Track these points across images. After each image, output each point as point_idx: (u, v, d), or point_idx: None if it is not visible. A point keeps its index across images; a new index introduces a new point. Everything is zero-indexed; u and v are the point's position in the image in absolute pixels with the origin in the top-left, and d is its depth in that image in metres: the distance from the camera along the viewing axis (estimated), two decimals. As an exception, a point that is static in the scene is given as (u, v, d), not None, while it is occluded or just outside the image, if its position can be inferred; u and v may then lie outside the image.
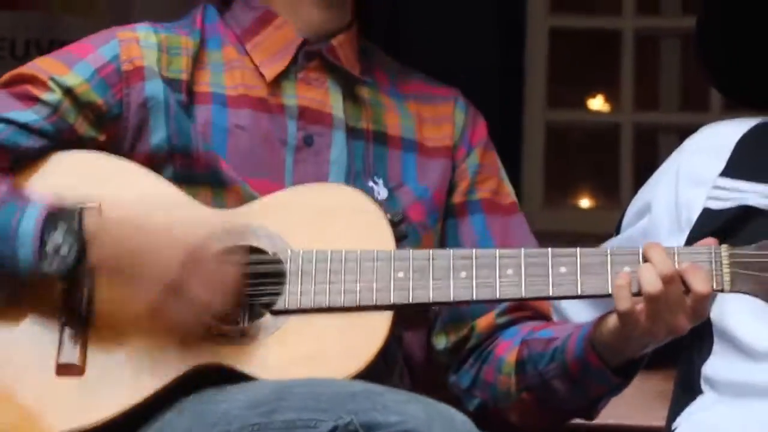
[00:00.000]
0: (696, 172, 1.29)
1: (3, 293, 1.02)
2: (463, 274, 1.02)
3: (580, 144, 3.68)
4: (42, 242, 0.97)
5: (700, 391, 1.19)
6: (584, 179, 3.50)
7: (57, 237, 0.98)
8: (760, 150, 1.29)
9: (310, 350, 1.03)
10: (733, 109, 1.83)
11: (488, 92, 2.16)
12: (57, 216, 0.98)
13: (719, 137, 1.33)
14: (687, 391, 1.22)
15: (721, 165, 1.26)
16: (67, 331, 1.03)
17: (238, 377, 0.98)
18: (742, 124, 1.32)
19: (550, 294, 1.02)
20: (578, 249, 1.01)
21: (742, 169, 1.25)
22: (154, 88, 1.11)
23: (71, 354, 1.01)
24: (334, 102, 1.17)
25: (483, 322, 1.18)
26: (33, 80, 1.09)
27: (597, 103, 3.46)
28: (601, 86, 3.39)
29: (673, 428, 1.18)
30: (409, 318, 1.10)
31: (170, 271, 0.96)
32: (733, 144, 1.29)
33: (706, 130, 1.36)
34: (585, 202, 3.49)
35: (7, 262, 0.98)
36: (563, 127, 3.27)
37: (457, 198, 1.22)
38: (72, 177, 1.09)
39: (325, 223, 1.07)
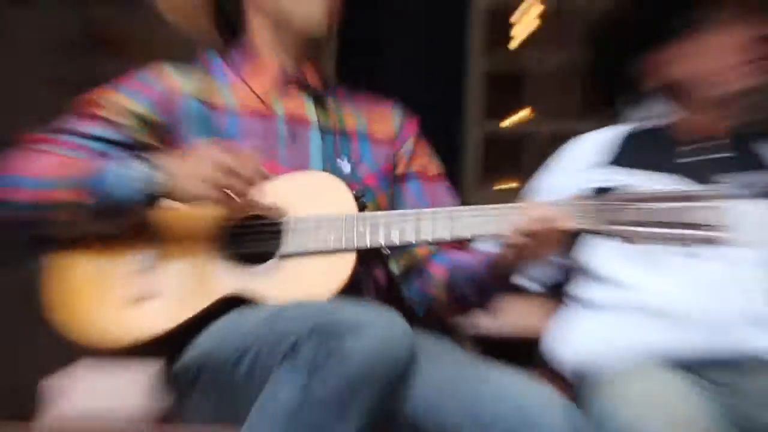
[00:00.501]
0: (579, 159, 1.70)
1: (110, 224, 1.35)
2: (401, 226, 1.38)
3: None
4: (144, 180, 1.30)
5: (571, 307, 1.63)
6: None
7: (150, 171, 1.31)
8: (631, 145, 1.67)
9: (302, 281, 1.36)
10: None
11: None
12: (144, 162, 1.31)
13: (594, 139, 1.71)
14: (564, 307, 1.65)
15: (608, 158, 1.64)
16: (144, 261, 1.36)
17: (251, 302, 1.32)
18: (611, 130, 1.70)
19: (462, 235, 1.38)
20: (483, 206, 1.37)
21: (618, 160, 1.63)
22: (188, 106, 1.47)
23: (149, 282, 1.34)
24: (308, 110, 1.53)
25: (421, 252, 1.55)
26: (110, 111, 1.45)
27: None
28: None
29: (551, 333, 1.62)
30: (368, 255, 1.43)
31: (205, 179, 1.26)
32: (615, 142, 1.68)
33: (586, 136, 1.73)
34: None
35: (112, 197, 1.30)
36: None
37: (399, 171, 1.59)
38: None
39: (311, 198, 1.42)
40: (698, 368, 1.45)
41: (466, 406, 1.32)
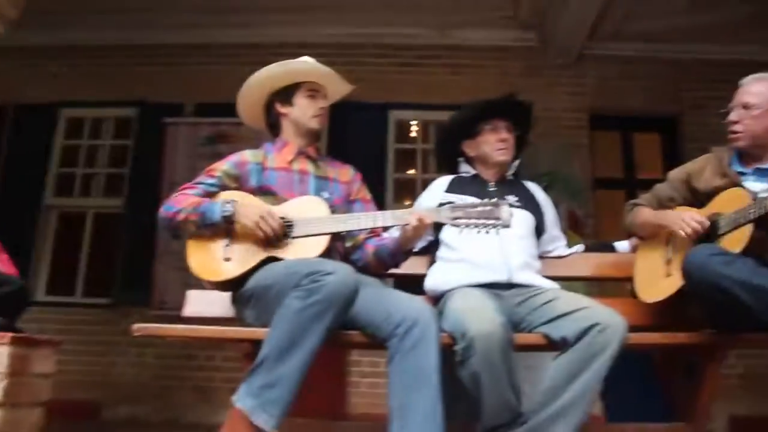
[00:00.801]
0: (435, 191, 2.71)
1: (207, 231, 2.31)
2: (350, 222, 2.31)
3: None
4: (222, 210, 2.27)
5: (435, 261, 2.63)
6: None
7: (227, 207, 2.27)
8: (458, 183, 2.70)
9: (302, 250, 2.25)
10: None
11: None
12: (226, 201, 2.30)
13: (443, 180, 2.75)
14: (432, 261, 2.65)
15: (448, 188, 2.68)
16: (227, 243, 2.32)
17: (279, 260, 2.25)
18: (449, 177, 2.77)
19: (380, 225, 2.33)
20: (393, 211, 2.31)
21: (450, 190, 2.66)
22: (251, 167, 2.48)
23: (229, 252, 2.31)
24: (310, 167, 2.54)
25: (360, 237, 2.52)
26: (212, 170, 2.48)
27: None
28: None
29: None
30: (335, 237, 2.35)
31: (256, 217, 2.23)
32: (451, 181, 2.72)
33: (438, 179, 2.78)
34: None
35: (209, 219, 2.28)
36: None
37: (351, 198, 2.59)
38: (227, 197, 2.38)
39: (308, 209, 2.34)
40: (494, 289, 2.40)
41: (381, 308, 2.13)
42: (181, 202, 2.35)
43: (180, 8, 5.93)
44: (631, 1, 5.67)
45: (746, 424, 5.30)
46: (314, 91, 2.58)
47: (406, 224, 2.28)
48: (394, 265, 2.52)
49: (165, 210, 2.36)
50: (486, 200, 2.21)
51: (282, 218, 2.31)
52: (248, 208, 2.29)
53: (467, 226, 2.17)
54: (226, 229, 2.33)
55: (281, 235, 2.28)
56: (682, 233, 2.39)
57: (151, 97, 6.07)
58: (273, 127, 2.66)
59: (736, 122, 2.49)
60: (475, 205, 2.19)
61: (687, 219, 2.40)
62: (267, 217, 2.25)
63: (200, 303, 2.70)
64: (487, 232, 2.17)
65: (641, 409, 3.92)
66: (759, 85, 2.50)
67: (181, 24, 6.09)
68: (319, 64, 2.60)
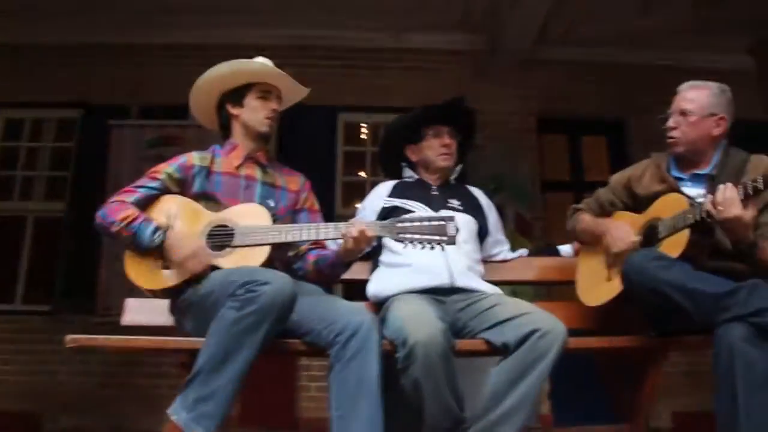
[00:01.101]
0: (378, 195, 2.71)
1: (137, 251, 2.25)
2: (292, 233, 2.24)
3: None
4: (152, 238, 2.21)
5: (378, 266, 2.63)
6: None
7: (156, 237, 2.21)
8: (401, 188, 2.71)
9: (243, 259, 2.20)
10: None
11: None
12: (157, 229, 2.23)
13: (387, 184, 2.75)
14: (374, 267, 2.65)
15: (390, 193, 2.69)
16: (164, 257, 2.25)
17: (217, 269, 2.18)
18: (392, 182, 2.78)
19: (322, 237, 2.27)
20: (335, 223, 2.24)
21: (393, 195, 2.67)
22: (196, 171, 2.41)
23: (164, 262, 2.25)
24: (257, 173, 2.48)
25: (303, 247, 2.50)
26: (155, 172, 2.40)
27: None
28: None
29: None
30: (277, 247, 2.28)
31: (183, 254, 2.18)
32: (395, 186, 2.73)
33: (381, 184, 2.77)
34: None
35: (138, 242, 2.22)
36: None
37: (298, 206, 2.54)
38: (167, 202, 2.37)
39: (249, 216, 2.28)
40: (436, 294, 2.41)
41: (321, 317, 2.12)
42: (116, 212, 2.28)
43: (125, 8, 5.78)
44: (579, 6, 5.75)
45: (690, 419, 5.41)
46: (266, 92, 2.53)
47: (348, 236, 2.23)
48: (334, 276, 2.49)
49: (100, 217, 2.31)
50: (433, 215, 2.22)
51: (224, 226, 2.29)
52: (181, 242, 2.24)
53: (411, 242, 2.15)
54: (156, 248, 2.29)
55: (205, 273, 2.22)
56: (615, 249, 2.46)
57: (96, 98, 5.93)
58: (224, 128, 2.61)
59: (673, 128, 2.53)
60: (421, 220, 2.16)
61: (622, 237, 2.46)
62: (192, 257, 2.21)
63: (140, 311, 2.65)
64: (432, 248, 2.14)
65: (588, 408, 3.97)
66: (695, 92, 2.54)
67: (127, 24, 5.95)
68: (271, 65, 2.56)
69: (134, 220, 2.26)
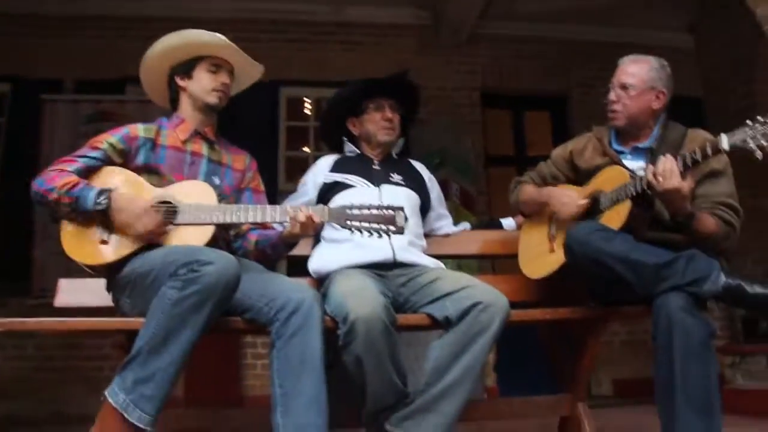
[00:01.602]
0: (319, 170, 2.67)
1: (80, 217, 2.13)
2: (237, 213, 2.17)
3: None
4: (96, 201, 2.09)
5: (319, 241, 2.60)
6: None
7: (101, 199, 2.10)
8: (343, 163, 2.69)
9: (186, 237, 2.15)
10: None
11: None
12: (102, 191, 2.11)
13: (327, 159, 2.72)
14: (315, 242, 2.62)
15: (332, 168, 2.65)
16: (105, 225, 2.14)
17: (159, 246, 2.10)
18: (333, 156, 2.75)
19: (269, 220, 2.21)
20: (276, 206, 2.21)
21: (334, 170, 2.64)
22: (141, 142, 2.31)
23: (103, 235, 2.15)
24: (204, 150, 2.42)
25: (245, 226, 2.44)
26: (97, 142, 2.27)
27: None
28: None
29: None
30: (221, 226, 2.26)
31: (133, 214, 2.09)
32: (336, 160, 2.70)
33: (322, 158, 2.75)
34: None
35: (81, 207, 2.09)
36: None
37: (243, 186, 2.49)
38: (108, 175, 2.25)
39: (195, 194, 2.22)
40: (378, 269, 2.41)
41: (262, 293, 2.09)
42: (55, 180, 2.15)
43: (56, -24, 5.53)
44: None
45: (629, 386, 5.58)
46: (217, 66, 2.46)
47: (296, 222, 2.19)
48: (276, 256, 2.46)
49: (37, 185, 2.16)
50: (383, 204, 2.16)
51: (167, 202, 2.21)
52: (127, 201, 2.15)
53: (359, 230, 2.13)
54: (100, 215, 2.18)
55: (159, 231, 2.16)
56: (562, 215, 2.49)
57: (27, 72, 5.68)
58: (173, 102, 2.53)
59: (614, 102, 2.55)
60: (370, 209, 2.14)
61: (568, 202, 2.48)
62: (144, 215, 2.13)
63: (74, 292, 2.54)
64: (380, 236, 2.14)
65: (532, 379, 4.03)
66: (635, 66, 2.56)
67: (59, -6, 5.70)
68: (224, 38, 2.46)
69: (75, 185, 2.14)
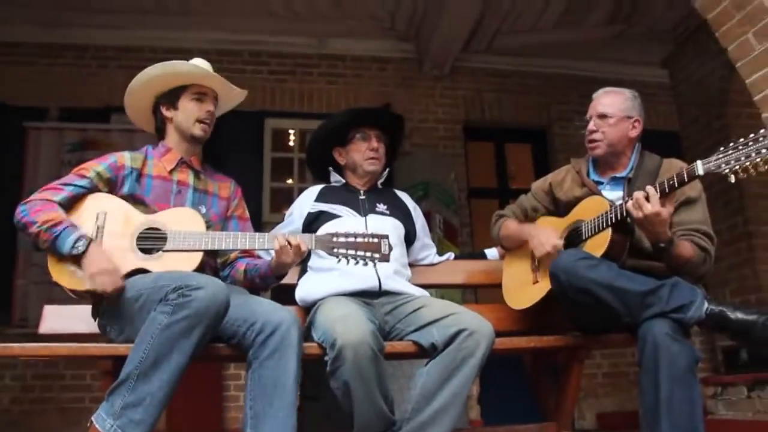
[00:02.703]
0: (305, 200, 2.69)
1: (55, 255, 2.13)
2: (226, 240, 2.21)
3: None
4: (73, 246, 2.08)
5: (305, 271, 2.58)
6: None
7: (79, 246, 2.09)
8: (328, 192, 2.70)
9: (174, 264, 2.14)
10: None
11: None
12: (82, 236, 2.11)
13: (313, 189, 2.74)
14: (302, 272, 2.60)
15: (317, 198, 2.66)
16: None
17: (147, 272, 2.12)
18: (319, 186, 2.76)
19: (257, 247, 2.25)
20: (264, 233, 2.24)
21: (319, 200, 2.66)
22: (127, 172, 2.32)
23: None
24: (190, 179, 2.44)
25: (232, 255, 2.47)
26: (83, 170, 2.28)
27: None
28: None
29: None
30: (208, 253, 2.28)
31: (93, 266, 2.06)
32: (321, 191, 2.72)
33: (308, 189, 2.78)
34: None
35: (58, 247, 2.09)
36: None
37: (229, 213, 2.51)
38: (97, 200, 2.25)
39: (183, 221, 2.24)
40: (364, 297, 2.42)
41: (243, 317, 2.10)
42: (38, 213, 2.15)
43: (44, 4, 5.56)
44: (503, 17, 5.88)
45: (613, 419, 5.59)
46: (202, 94, 2.48)
47: (283, 249, 2.21)
48: (264, 287, 2.47)
49: (21, 214, 2.17)
50: (368, 233, 2.19)
51: (157, 229, 2.23)
52: (97, 257, 2.12)
53: (345, 257, 2.15)
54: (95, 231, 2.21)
55: (112, 294, 2.11)
56: (538, 254, 2.53)
57: (10, 99, 5.67)
58: (160, 131, 2.54)
59: (594, 131, 2.60)
60: (356, 237, 2.17)
61: (544, 242, 2.51)
62: (107, 275, 2.09)
63: (59, 318, 2.53)
64: (365, 264, 2.17)
65: (516, 412, 4.03)
66: (610, 97, 2.64)
67: (45, 21, 5.72)
68: (206, 66, 2.49)
69: (57, 224, 2.14)
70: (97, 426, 1.85)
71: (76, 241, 2.10)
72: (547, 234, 2.54)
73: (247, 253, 2.51)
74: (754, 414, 3.86)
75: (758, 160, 2.00)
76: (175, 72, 2.44)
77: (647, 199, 2.19)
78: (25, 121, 5.59)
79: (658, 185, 2.22)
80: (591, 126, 2.61)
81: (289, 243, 2.19)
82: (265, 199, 5.91)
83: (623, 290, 2.18)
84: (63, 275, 2.16)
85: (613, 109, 2.60)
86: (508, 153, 6.79)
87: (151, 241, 2.22)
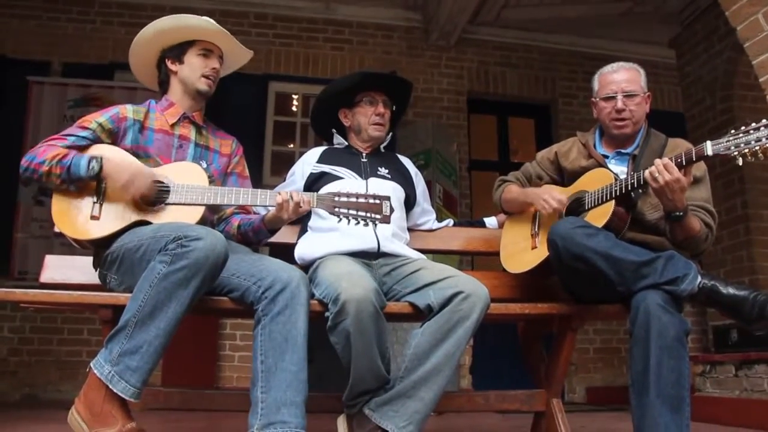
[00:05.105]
0: (307, 161, 2.71)
1: (73, 186, 2.16)
2: (229, 195, 2.24)
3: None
4: (89, 167, 2.12)
5: (305, 231, 2.61)
6: None
7: (93, 164, 2.13)
8: (331, 154, 2.73)
9: (176, 217, 2.17)
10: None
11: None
12: (93, 158, 2.14)
13: (316, 150, 2.77)
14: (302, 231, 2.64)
15: (319, 159, 2.69)
16: (95, 201, 2.18)
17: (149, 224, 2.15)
18: (321, 148, 2.78)
19: (258, 203, 2.25)
20: (267, 190, 2.24)
21: (321, 161, 2.68)
22: (129, 123, 2.35)
23: (96, 210, 2.17)
24: (191, 134, 2.47)
25: (228, 210, 2.51)
26: (85, 121, 2.30)
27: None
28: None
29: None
30: (211, 208, 2.33)
31: (125, 177, 2.12)
32: (324, 152, 2.74)
33: (311, 150, 2.79)
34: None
35: (74, 174, 2.12)
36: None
37: (229, 170, 2.55)
38: (101, 151, 2.24)
39: (186, 175, 2.26)
40: (362, 258, 2.45)
41: (251, 272, 2.11)
42: (46, 153, 2.17)
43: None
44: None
45: (602, 393, 5.67)
46: (208, 50, 2.49)
47: (285, 205, 2.24)
48: (258, 241, 2.49)
49: (27, 160, 2.17)
50: (370, 194, 2.21)
51: (160, 182, 2.24)
52: (119, 166, 2.17)
53: (346, 217, 2.17)
54: (97, 185, 2.22)
55: (152, 199, 2.19)
56: (544, 211, 2.54)
57: (14, 52, 5.68)
58: (163, 84, 2.54)
59: (623, 110, 2.58)
60: (358, 197, 2.18)
61: (548, 198, 2.52)
62: (138, 178, 2.16)
63: (60, 269, 2.54)
64: (366, 225, 2.20)
65: (507, 382, 4.08)
66: (630, 73, 2.62)
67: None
68: (214, 23, 2.48)
69: (66, 156, 2.17)
70: (95, 372, 1.89)
71: (89, 163, 2.15)
72: (551, 192, 2.56)
73: (243, 209, 2.54)
74: (740, 392, 3.90)
75: None
76: (186, 25, 2.45)
77: (668, 166, 2.21)
78: (27, 75, 5.59)
79: (675, 157, 2.24)
80: (619, 105, 2.57)
81: (291, 198, 2.22)
82: (267, 162, 5.95)
83: (619, 260, 2.20)
84: (68, 226, 2.18)
85: (636, 86, 2.59)
86: (511, 127, 6.81)
87: (154, 193, 2.24)
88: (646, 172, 2.26)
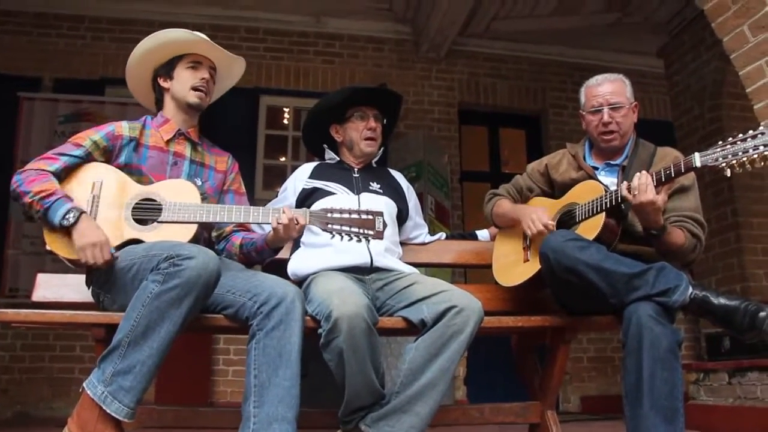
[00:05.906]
0: (299, 176, 2.69)
1: (47, 228, 2.13)
2: (222, 213, 2.22)
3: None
4: (64, 217, 2.08)
5: (298, 246, 2.59)
6: None
7: (70, 216, 2.08)
8: (322, 169, 2.71)
9: (169, 235, 2.16)
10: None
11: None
12: (74, 207, 2.10)
13: (307, 166, 2.74)
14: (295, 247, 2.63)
15: (311, 174, 2.67)
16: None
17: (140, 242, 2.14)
18: (313, 163, 2.75)
19: (251, 220, 2.30)
20: (261, 207, 2.25)
21: (313, 176, 2.66)
22: (125, 141, 2.34)
23: None
24: (186, 151, 2.46)
25: (228, 228, 2.50)
26: (79, 139, 2.29)
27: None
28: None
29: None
30: (204, 225, 2.33)
31: (90, 240, 2.05)
32: (315, 168, 2.72)
33: (302, 166, 2.77)
34: None
35: (49, 218, 2.09)
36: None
37: (225, 187, 2.54)
38: (94, 169, 2.26)
39: (178, 193, 2.25)
40: (356, 273, 2.44)
41: (243, 288, 2.11)
42: (32, 183, 2.15)
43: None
44: (501, 2, 5.90)
45: (597, 402, 5.68)
46: (196, 63, 2.49)
47: (279, 224, 2.23)
48: (260, 261, 2.48)
49: (16, 181, 2.17)
50: (363, 209, 2.22)
51: (152, 200, 2.24)
52: (91, 229, 2.12)
53: (339, 233, 2.18)
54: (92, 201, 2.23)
55: (101, 266, 2.12)
56: (529, 232, 2.53)
57: (4, 68, 5.67)
58: (158, 103, 2.56)
59: (609, 122, 2.60)
60: (351, 213, 2.19)
61: (536, 220, 2.52)
62: (98, 249, 2.09)
63: (52, 287, 2.53)
64: (359, 241, 2.19)
65: (502, 393, 4.08)
66: (615, 85, 2.64)
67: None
68: (200, 35, 2.48)
69: (50, 195, 2.14)
70: (88, 392, 1.88)
71: (66, 213, 2.10)
72: (539, 213, 2.55)
73: (242, 227, 2.53)
74: (734, 400, 3.91)
75: (755, 156, 2.04)
76: (167, 40, 2.45)
77: (642, 186, 2.22)
78: (18, 91, 5.59)
79: (654, 174, 2.26)
80: (605, 118, 2.59)
81: (285, 217, 2.22)
82: (258, 176, 5.94)
83: (610, 272, 2.21)
84: (57, 243, 2.17)
85: (622, 97, 2.60)
86: (502, 137, 6.83)
87: (146, 211, 2.24)
88: (623, 189, 2.28)
